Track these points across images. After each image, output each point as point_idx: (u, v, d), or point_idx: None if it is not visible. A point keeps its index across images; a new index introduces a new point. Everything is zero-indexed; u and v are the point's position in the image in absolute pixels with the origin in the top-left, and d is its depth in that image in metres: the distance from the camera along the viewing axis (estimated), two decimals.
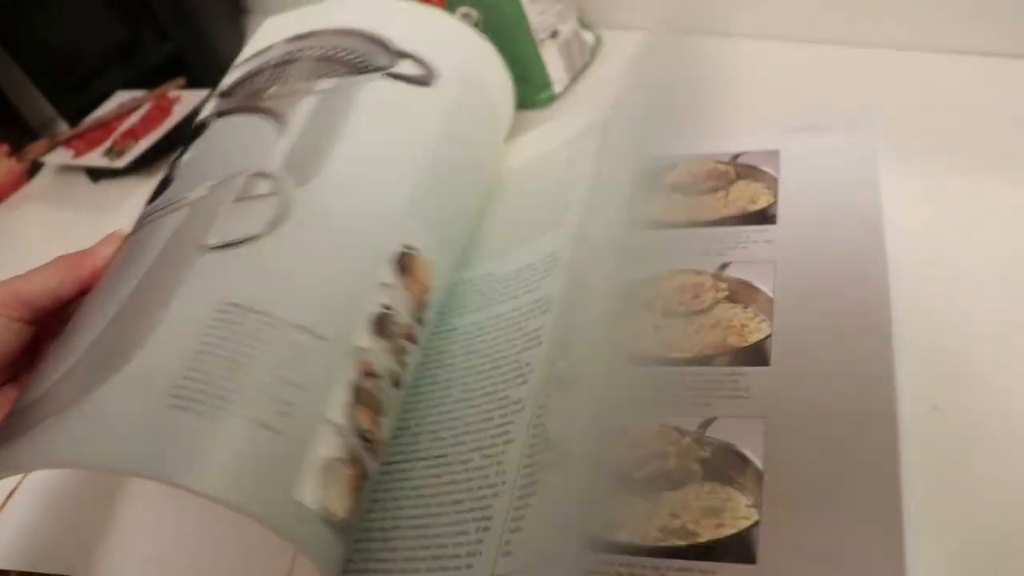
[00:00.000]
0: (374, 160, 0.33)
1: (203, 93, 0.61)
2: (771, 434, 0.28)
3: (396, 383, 0.29)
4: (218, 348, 0.25)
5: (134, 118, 0.60)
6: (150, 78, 0.64)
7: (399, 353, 0.28)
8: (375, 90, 0.35)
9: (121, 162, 0.56)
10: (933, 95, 0.42)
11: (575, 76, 0.53)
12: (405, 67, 0.36)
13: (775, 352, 0.31)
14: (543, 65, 0.50)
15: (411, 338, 0.29)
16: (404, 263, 0.30)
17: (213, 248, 0.28)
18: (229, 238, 0.28)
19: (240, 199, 0.30)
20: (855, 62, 0.46)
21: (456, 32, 0.41)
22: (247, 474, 0.24)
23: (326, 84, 0.35)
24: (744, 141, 0.41)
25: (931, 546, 0.25)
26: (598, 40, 0.54)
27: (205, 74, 0.64)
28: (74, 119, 0.63)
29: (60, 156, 0.60)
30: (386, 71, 0.36)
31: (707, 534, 0.26)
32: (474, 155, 0.40)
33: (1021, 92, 0.41)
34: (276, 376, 0.26)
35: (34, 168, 0.63)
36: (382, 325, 0.28)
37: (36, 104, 0.66)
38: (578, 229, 0.37)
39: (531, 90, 0.51)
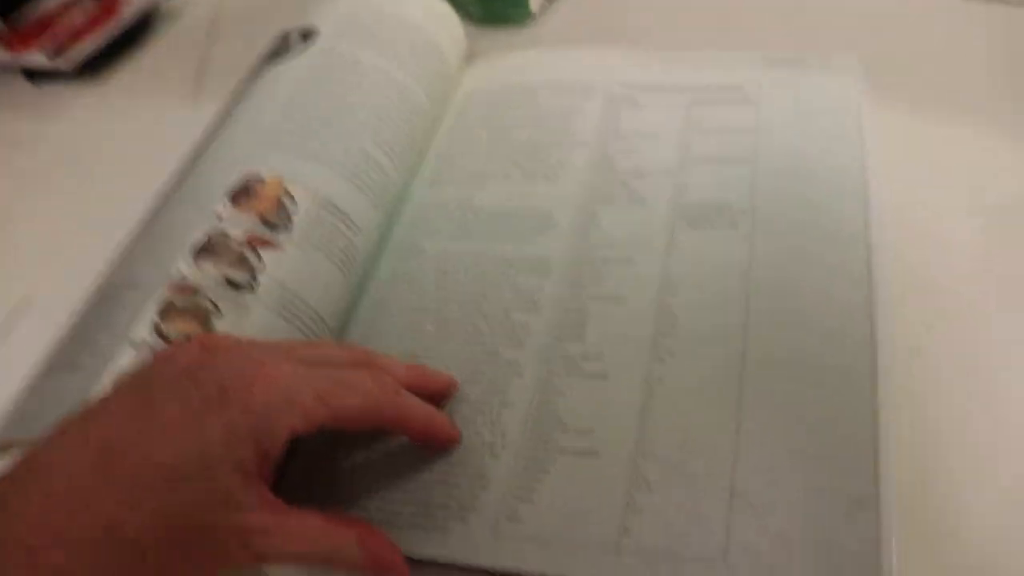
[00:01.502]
0: (236, 134, 0.38)
1: None
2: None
3: (243, 285, 0.32)
4: None
5: (77, 15, 0.55)
6: None
7: (238, 263, 0.32)
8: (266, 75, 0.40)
9: (64, 63, 0.52)
10: (914, 37, 0.42)
11: None
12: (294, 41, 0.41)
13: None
14: None
15: (264, 243, 0.33)
16: (242, 191, 0.34)
17: None
18: None
19: None
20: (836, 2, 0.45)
21: None
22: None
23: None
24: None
25: (908, 487, 0.25)
26: None
27: None
28: (9, 14, 0.58)
29: None
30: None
31: None
32: (368, 83, 0.40)
33: (1002, 37, 0.41)
34: (92, 324, 0.32)
35: None
36: (205, 250, 0.33)
37: None
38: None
39: (506, 4, 0.49)
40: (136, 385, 0.25)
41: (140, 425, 0.23)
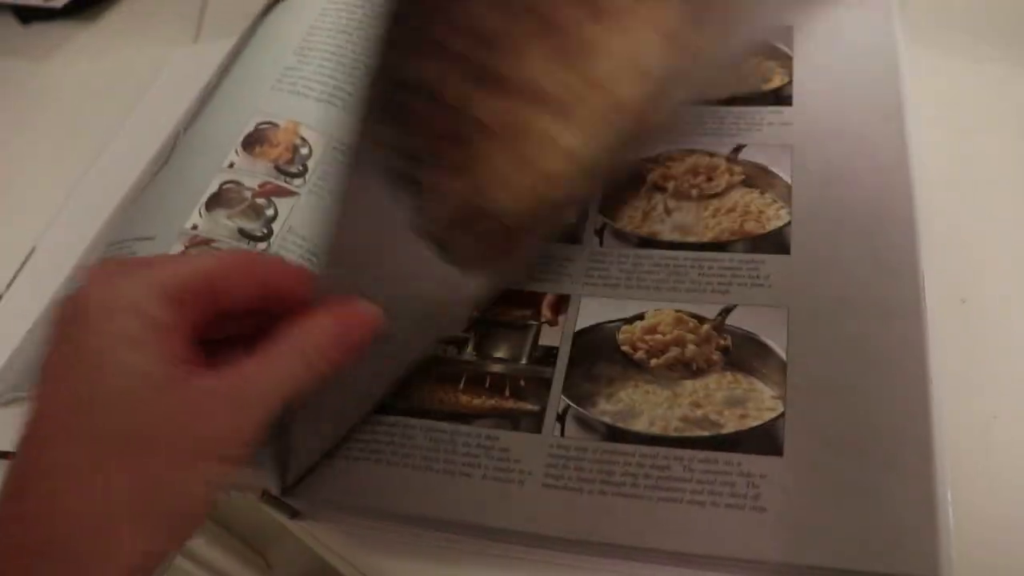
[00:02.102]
0: (247, 77, 0.37)
1: None
2: (794, 324, 0.27)
3: (257, 235, 0.31)
4: None
5: None
6: None
7: (252, 212, 0.32)
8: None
9: (56, 1, 0.49)
10: None
11: None
12: None
13: (795, 241, 0.30)
14: None
15: (279, 191, 0.32)
16: (255, 138, 0.33)
17: None
18: None
19: None
20: None
21: None
22: None
23: None
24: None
25: (959, 436, 0.25)
26: None
27: None
28: None
29: None
30: None
31: (731, 425, 0.25)
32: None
33: None
34: None
35: None
36: (218, 200, 0.32)
37: None
38: None
39: None
40: None
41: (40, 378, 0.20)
